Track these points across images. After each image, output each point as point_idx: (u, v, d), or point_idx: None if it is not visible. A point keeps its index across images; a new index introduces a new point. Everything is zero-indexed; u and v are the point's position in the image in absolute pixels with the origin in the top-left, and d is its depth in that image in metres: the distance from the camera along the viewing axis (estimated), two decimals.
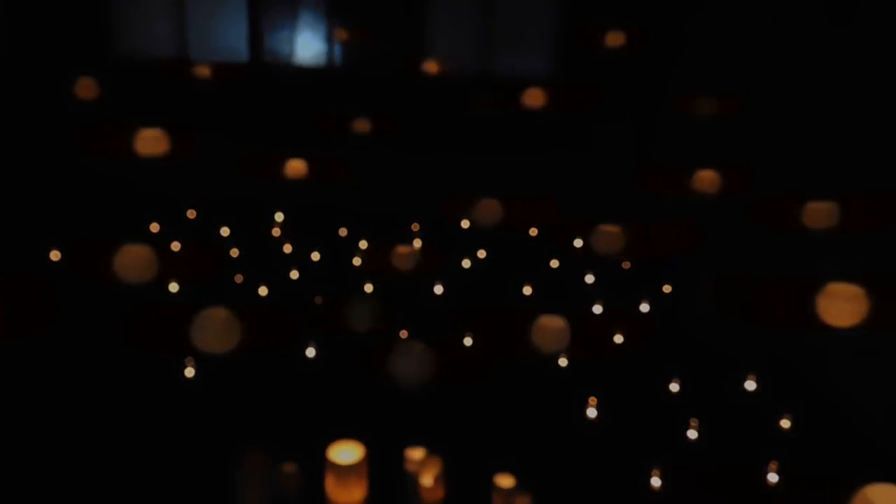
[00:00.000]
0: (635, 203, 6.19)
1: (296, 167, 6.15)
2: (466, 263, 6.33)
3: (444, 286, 5.82)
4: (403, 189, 7.08)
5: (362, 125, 6.75)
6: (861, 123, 4.91)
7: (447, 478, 3.50)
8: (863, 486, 2.59)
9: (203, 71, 7.13)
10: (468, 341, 5.01)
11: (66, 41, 7.39)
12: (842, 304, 3.83)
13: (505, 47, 7.37)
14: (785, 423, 4.24)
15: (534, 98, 6.46)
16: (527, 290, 5.87)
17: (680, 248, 5.89)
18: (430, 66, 7.13)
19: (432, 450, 3.53)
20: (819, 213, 4.67)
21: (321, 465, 3.22)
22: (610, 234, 5.43)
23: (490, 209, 5.74)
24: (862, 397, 4.51)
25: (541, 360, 4.70)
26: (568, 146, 7.14)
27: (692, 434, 4.13)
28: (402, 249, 5.59)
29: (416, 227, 6.81)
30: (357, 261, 6.27)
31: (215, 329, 3.65)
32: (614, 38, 6.65)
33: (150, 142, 5.29)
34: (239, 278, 5.84)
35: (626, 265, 6.20)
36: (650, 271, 6.08)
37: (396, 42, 7.41)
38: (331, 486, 3.18)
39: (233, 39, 7.58)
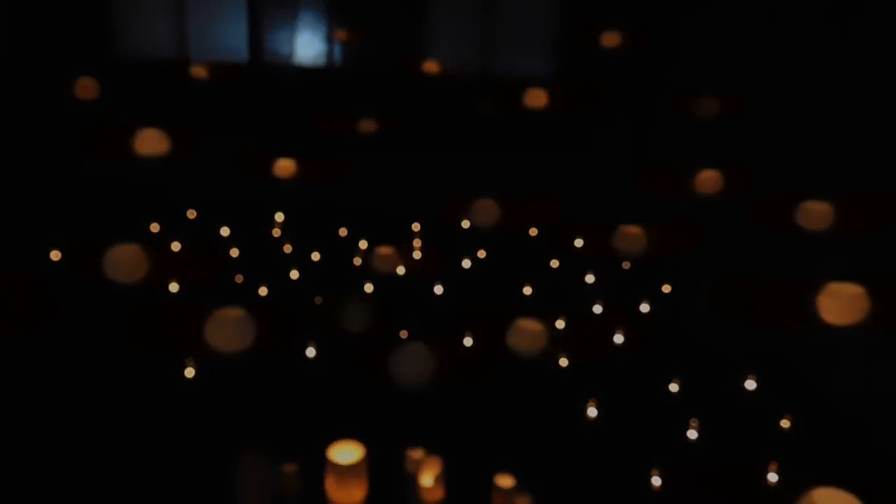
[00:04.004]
0: (635, 203, 6.18)
1: (285, 166, 6.14)
2: (466, 263, 6.33)
3: (444, 286, 5.82)
4: (404, 189, 7.08)
5: (362, 125, 6.75)
6: (861, 123, 4.91)
7: (447, 478, 3.50)
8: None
9: (203, 71, 7.13)
10: (468, 341, 5.01)
11: (67, 41, 7.39)
12: (842, 303, 3.82)
13: (505, 47, 7.37)
14: (785, 423, 4.24)
15: (535, 99, 6.45)
16: (527, 290, 5.87)
17: (679, 248, 5.89)
18: (431, 66, 7.13)
19: (432, 450, 3.53)
20: (817, 213, 4.66)
21: (321, 465, 3.22)
22: (632, 235, 5.37)
23: (487, 210, 5.72)
24: (862, 397, 4.50)
25: (541, 361, 4.70)
26: (568, 146, 7.14)
27: (692, 434, 4.13)
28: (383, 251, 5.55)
29: (416, 226, 6.81)
30: (357, 261, 6.27)
31: (230, 328, 3.64)
32: (613, 39, 6.65)
33: (151, 142, 5.28)
34: (239, 278, 5.84)
35: (627, 265, 6.20)
36: (650, 271, 6.07)
37: (396, 42, 7.41)
38: (331, 486, 3.18)
39: (233, 39, 7.58)
